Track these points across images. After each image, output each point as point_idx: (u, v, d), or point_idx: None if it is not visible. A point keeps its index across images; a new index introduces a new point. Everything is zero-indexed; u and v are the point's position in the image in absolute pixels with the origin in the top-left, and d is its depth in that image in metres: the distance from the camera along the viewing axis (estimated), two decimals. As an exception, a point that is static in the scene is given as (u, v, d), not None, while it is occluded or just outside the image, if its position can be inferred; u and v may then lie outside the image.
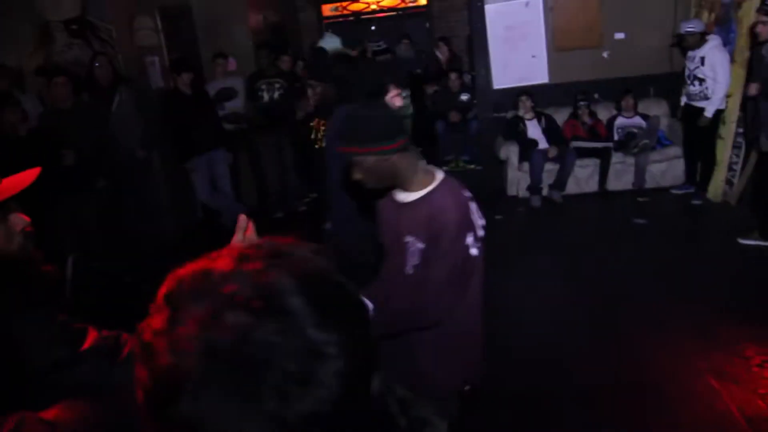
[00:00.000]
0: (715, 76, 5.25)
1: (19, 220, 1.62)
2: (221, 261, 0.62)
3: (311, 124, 4.58)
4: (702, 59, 5.35)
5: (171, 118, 5.72)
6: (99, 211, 5.13)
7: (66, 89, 4.93)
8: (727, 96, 5.39)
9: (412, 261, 1.87)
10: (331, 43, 4.85)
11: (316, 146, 4.40)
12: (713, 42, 5.33)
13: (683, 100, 5.79)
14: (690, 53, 5.52)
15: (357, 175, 1.85)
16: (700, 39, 5.38)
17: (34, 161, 4.38)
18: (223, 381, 0.56)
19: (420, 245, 1.84)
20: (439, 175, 1.90)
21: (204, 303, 0.58)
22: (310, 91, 4.75)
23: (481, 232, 1.86)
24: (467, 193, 1.87)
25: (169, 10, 6.62)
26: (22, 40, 6.06)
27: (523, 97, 6.39)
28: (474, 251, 1.82)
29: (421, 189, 1.87)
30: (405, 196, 1.91)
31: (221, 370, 0.56)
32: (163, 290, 0.62)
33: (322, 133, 4.24)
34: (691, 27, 5.45)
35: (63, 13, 5.94)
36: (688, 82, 5.56)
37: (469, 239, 1.80)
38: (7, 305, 1.31)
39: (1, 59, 5.84)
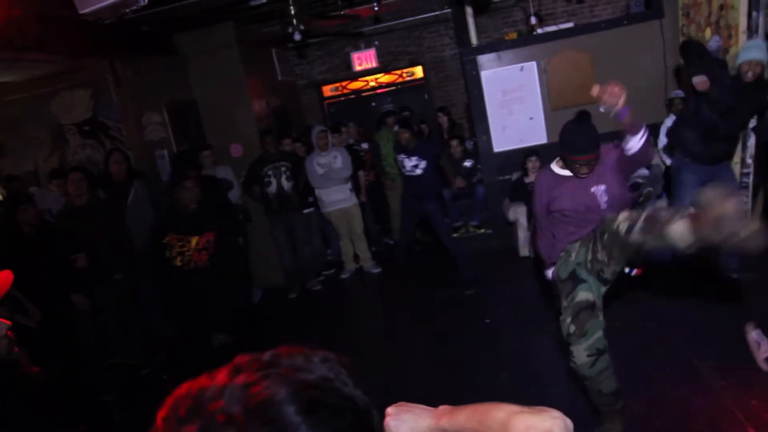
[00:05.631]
0: None
1: (2, 325, 1.67)
2: (218, 376, 0.63)
3: None
4: None
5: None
6: (117, 303, 5.18)
7: (82, 185, 5.07)
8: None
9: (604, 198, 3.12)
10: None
11: None
12: None
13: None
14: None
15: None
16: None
17: (49, 259, 4.42)
18: None
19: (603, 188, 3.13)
20: None
21: (193, 423, 0.59)
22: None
23: None
24: None
25: (175, 105, 6.87)
26: (39, 144, 6.31)
27: (533, 158, 6.48)
28: None
29: None
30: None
31: None
32: (161, 413, 0.63)
33: None
34: (680, 93, 5.82)
35: (75, 116, 6.19)
36: None
37: None
38: None
39: (20, 163, 6.07)
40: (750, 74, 4.25)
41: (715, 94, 4.37)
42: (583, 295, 3.03)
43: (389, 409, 1.15)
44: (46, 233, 4.65)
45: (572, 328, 2.99)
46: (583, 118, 3.26)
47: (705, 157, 4.70)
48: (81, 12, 4.31)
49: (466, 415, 1.05)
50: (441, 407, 1.13)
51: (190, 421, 0.59)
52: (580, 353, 2.97)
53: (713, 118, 4.49)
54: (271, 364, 0.64)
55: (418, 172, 6.13)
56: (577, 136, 3.14)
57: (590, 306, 3.01)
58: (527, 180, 6.49)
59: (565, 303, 3.08)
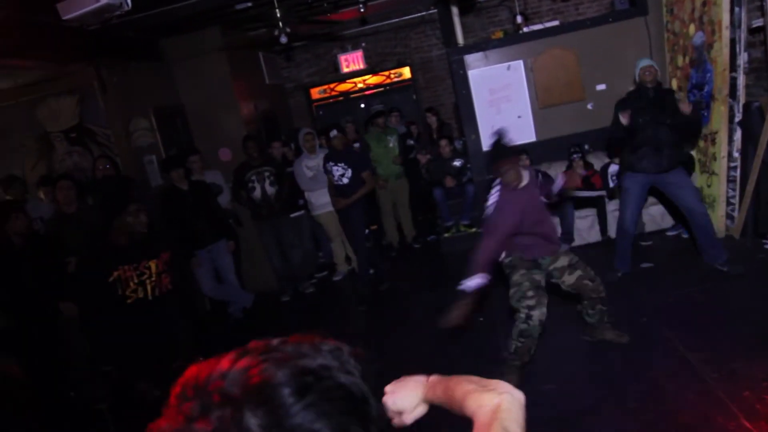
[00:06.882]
0: None
1: None
2: (224, 359, 0.68)
3: None
4: None
5: (170, 214, 5.80)
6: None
7: (71, 193, 5.04)
8: (714, 133, 5.50)
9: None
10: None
11: None
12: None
13: None
14: None
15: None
16: None
17: (37, 267, 4.34)
18: None
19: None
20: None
21: (196, 401, 0.63)
22: None
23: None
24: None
25: (163, 110, 6.84)
26: (25, 152, 6.26)
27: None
28: None
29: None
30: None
31: None
32: (174, 390, 0.67)
33: None
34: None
35: (62, 123, 6.16)
36: None
37: None
38: None
39: (7, 171, 6.02)
40: (647, 74, 4.92)
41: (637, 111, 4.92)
42: (538, 276, 3.82)
43: (388, 387, 1.23)
44: (34, 242, 4.61)
45: (531, 293, 3.71)
46: (500, 135, 3.90)
47: (651, 170, 4.92)
48: (64, 18, 4.28)
49: (442, 389, 1.14)
50: (431, 379, 1.21)
51: (192, 399, 0.63)
52: (537, 318, 3.66)
53: (643, 129, 4.87)
54: (276, 349, 0.69)
55: (345, 181, 6.12)
56: (498, 148, 3.88)
57: (542, 287, 3.79)
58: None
59: (522, 273, 3.80)
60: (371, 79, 10.23)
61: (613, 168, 6.39)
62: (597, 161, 6.62)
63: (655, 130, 4.83)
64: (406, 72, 10.12)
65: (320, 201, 6.67)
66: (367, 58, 9.89)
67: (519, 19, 7.63)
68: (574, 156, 6.45)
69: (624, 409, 3.40)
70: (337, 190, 6.21)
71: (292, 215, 6.83)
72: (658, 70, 5.03)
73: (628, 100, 5.03)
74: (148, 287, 3.61)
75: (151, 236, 3.76)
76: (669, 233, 6.18)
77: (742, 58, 5.11)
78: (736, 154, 5.38)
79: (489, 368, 4.10)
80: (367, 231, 6.55)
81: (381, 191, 7.51)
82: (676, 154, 4.91)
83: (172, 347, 3.76)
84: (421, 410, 1.20)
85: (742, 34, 5.06)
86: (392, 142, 7.53)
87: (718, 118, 5.42)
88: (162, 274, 3.67)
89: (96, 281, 3.52)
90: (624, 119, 4.95)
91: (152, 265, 3.63)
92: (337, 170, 6.11)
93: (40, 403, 4.05)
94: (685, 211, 4.98)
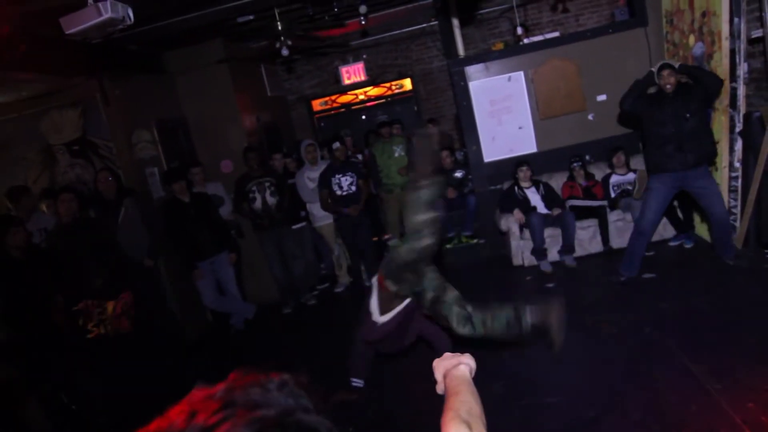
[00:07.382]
0: None
1: None
2: (175, 418, 0.61)
3: None
4: None
5: (172, 226, 5.82)
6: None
7: (72, 205, 5.05)
8: (715, 142, 5.50)
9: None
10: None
11: None
12: None
13: None
14: None
15: None
16: None
17: (37, 280, 4.31)
18: None
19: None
20: None
21: None
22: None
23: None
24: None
25: (165, 123, 6.86)
26: (28, 165, 6.27)
27: (524, 167, 6.49)
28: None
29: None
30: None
31: None
32: None
33: None
34: None
35: (64, 136, 6.17)
36: None
37: None
38: None
39: (10, 184, 6.02)
40: (665, 84, 5.03)
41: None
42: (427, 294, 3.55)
43: (435, 362, 1.39)
44: (33, 255, 4.61)
45: (446, 321, 3.49)
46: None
47: (678, 168, 5.02)
48: (67, 32, 4.30)
49: (444, 390, 1.24)
50: (448, 375, 1.33)
51: None
52: (461, 331, 3.45)
53: (665, 125, 5.00)
54: (228, 402, 0.62)
55: (353, 189, 6.29)
56: None
57: (436, 300, 3.51)
58: (518, 189, 6.51)
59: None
60: (372, 91, 10.26)
61: (615, 178, 6.40)
62: (598, 171, 6.62)
63: (677, 125, 4.95)
64: (407, 83, 10.15)
65: (322, 212, 6.69)
66: (368, 69, 9.93)
67: (519, 30, 7.68)
68: (575, 164, 6.45)
69: (627, 420, 3.38)
70: (343, 200, 6.27)
71: (294, 227, 6.83)
72: (676, 72, 5.09)
73: (650, 97, 5.19)
74: (108, 326, 3.55)
75: (112, 277, 3.66)
76: (671, 243, 6.18)
77: (742, 69, 5.13)
78: (737, 165, 5.38)
79: (489, 380, 4.09)
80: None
81: (387, 203, 7.52)
82: (699, 147, 5.00)
83: (129, 388, 3.60)
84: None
85: (742, 45, 5.08)
86: (398, 152, 7.53)
87: (719, 128, 5.43)
88: (120, 317, 3.56)
89: (64, 306, 3.48)
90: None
91: (109, 306, 3.54)
92: (346, 180, 6.20)
93: (39, 414, 4.03)
94: (709, 215, 5.19)
